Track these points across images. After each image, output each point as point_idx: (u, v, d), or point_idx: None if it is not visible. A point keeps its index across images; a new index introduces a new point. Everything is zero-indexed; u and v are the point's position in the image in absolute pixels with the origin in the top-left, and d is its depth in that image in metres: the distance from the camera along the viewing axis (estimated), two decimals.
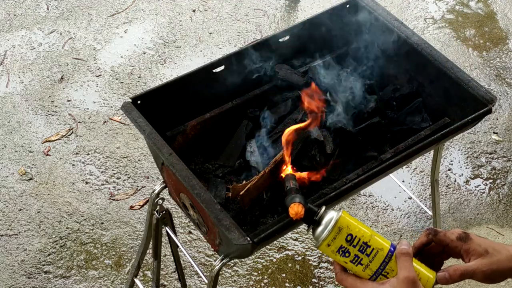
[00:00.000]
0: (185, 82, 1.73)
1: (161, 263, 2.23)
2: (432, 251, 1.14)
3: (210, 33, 3.31)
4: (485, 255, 1.09)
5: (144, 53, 3.18)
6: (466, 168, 2.77)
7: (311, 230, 1.13)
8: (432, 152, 2.31)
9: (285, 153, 1.56)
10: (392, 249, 1.07)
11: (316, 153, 1.65)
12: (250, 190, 1.55)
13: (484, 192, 2.69)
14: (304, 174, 1.60)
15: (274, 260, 2.42)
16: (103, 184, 2.63)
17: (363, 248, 1.07)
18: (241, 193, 1.54)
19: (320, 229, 1.10)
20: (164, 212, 1.78)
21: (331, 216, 1.10)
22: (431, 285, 1.07)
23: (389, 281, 1.04)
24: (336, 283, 2.36)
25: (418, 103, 1.84)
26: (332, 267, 2.34)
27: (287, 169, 1.55)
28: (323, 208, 1.13)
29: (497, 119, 2.97)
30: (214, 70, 1.76)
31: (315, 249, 2.44)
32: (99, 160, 2.71)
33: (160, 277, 2.20)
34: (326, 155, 1.69)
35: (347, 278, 1.09)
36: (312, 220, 1.13)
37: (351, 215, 1.11)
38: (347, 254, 1.08)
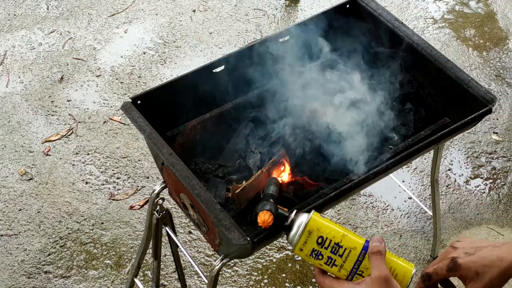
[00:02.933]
0: (185, 82, 1.73)
1: (161, 263, 2.23)
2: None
3: (210, 33, 3.31)
4: (476, 279, 1.06)
5: (144, 53, 3.18)
6: (466, 168, 2.77)
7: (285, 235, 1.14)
8: (432, 152, 2.31)
9: (284, 155, 1.57)
10: (366, 246, 1.07)
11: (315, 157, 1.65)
12: (246, 189, 1.55)
13: (484, 192, 2.69)
14: (301, 180, 1.60)
15: (274, 260, 2.42)
16: (103, 184, 2.63)
17: (335, 249, 1.07)
18: (236, 191, 1.54)
19: (292, 233, 1.10)
20: (164, 212, 1.77)
21: (301, 219, 1.10)
22: (409, 277, 1.06)
23: (364, 280, 1.05)
24: None
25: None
26: None
27: (285, 172, 1.55)
28: (294, 212, 1.13)
29: (497, 119, 2.97)
30: (214, 70, 1.76)
31: None
32: (99, 160, 2.72)
33: (160, 277, 2.20)
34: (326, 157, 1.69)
35: (325, 280, 1.09)
36: (283, 226, 1.14)
37: (322, 216, 1.10)
38: (320, 257, 1.07)
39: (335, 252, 1.07)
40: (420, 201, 2.57)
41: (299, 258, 2.42)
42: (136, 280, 2.10)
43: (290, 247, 2.45)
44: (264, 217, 1.23)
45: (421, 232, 2.54)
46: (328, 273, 1.09)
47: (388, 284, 1.02)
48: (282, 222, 1.14)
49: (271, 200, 1.29)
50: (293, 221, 1.11)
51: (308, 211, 1.11)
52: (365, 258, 1.06)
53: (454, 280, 1.11)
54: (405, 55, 1.88)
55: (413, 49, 1.84)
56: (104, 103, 2.94)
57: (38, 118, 2.87)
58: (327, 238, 1.07)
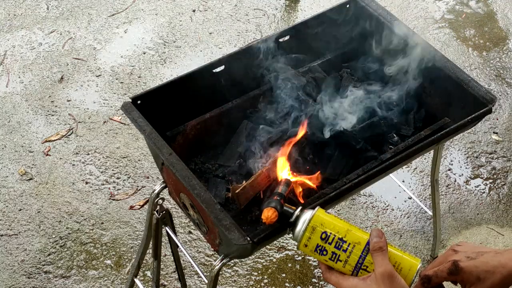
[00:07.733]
0: (185, 82, 1.73)
1: (161, 263, 2.23)
2: None
3: (210, 33, 3.31)
4: (476, 284, 1.05)
5: (144, 53, 3.18)
6: (466, 168, 2.77)
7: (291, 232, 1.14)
8: (432, 152, 2.31)
9: (284, 155, 1.57)
10: None
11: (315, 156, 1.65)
12: (247, 189, 1.55)
13: (484, 192, 2.69)
14: (302, 179, 1.60)
15: (274, 260, 2.42)
16: (103, 184, 2.63)
17: (339, 244, 1.07)
18: (236, 191, 1.55)
19: (296, 230, 1.11)
20: (164, 212, 1.77)
21: (306, 216, 1.11)
22: (414, 271, 1.06)
23: (369, 276, 1.04)
24: None
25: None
26: None
27: (285, 172, 1.55)
28: (299, 209, 1.14)
29: (497, 119, 2.97)
30: (214, 70, 1.76)
31: None
32: (99, 160, 2.72)
33: (160, 277, 2.20)
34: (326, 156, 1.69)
35: (331, 276, 1.09)
36: (288, 222, 1.14)
37: (327, 213, 1.11)
38: (324, 252, 1.08)
39: (339, 247, 1.07)
40: (420, 201, 2.57)
41: (299, 258, 2.42)
42: (136, 280, 2.10)
43: (290, 247, 2.45)
44: (268, 213, 1.24)
45: (421, 232, 2.54)
46: (334, 269, 1.09)
47: (392, 279, 1.02)
48: (287, 219, 1.15)
49: (278, 198, 1.30)
50: (298, 218, 1.12)
51: (313, 208, 1.12)
52: (369, 252, 1.06)
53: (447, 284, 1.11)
54: (405, 55, 1.88)
55: (413, 49, 1.84)
56: (104, 103, 2.94)
57: (38, 118, 2.87)
58: (331, 233, 1.07)
